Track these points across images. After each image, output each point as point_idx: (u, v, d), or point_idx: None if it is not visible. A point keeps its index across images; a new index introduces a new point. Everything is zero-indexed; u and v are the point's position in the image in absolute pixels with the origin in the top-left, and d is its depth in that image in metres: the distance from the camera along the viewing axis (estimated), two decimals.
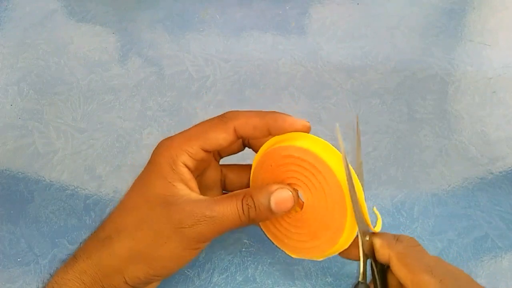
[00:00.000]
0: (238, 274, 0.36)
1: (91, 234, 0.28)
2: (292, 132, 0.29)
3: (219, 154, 0.33)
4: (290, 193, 0.27)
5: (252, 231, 0.39)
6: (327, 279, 0.36)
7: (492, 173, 0.43)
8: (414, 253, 0.25)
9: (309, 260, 0.37)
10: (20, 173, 0.42)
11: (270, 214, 0.27)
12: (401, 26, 0.55)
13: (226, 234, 0.38)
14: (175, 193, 0.26)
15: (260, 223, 0.32)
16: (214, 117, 0.29)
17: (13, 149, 0.44)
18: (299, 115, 0.46)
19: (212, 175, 0.32)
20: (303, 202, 0.29)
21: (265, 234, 0.32)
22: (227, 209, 0.26)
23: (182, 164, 0.27)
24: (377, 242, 0.26)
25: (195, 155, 0.27)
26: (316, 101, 0.48)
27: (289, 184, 0.29)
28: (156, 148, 0.28)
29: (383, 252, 0.25)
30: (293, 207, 0.28)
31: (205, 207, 0.26)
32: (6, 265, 0.37)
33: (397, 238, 0.26)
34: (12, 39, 0.54)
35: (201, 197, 0.27)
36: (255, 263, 0.37)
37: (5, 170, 0.43)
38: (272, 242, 0.32)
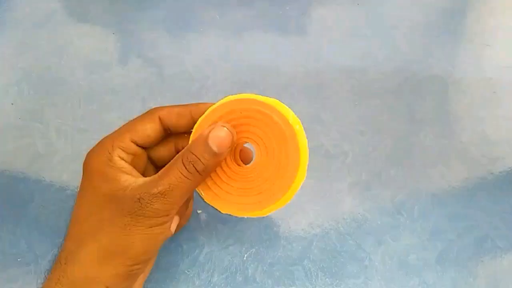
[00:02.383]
0: (238, 274, 0.36)
1: (54, 264, 0.28)
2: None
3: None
4: (225, 128, 0.27)
5: (253, 231, 0.39)
6: (327, 279, 0.36)
7: (492, 173, 0.43)
8: None
9: (308, 260, 0.37)
10: (20, 173, 0.42)
11: (216, 158, 0.27)
12: (401, 26, 0.55)
13: (226, 234, 0.38)
14: (120, 186, 0.26)
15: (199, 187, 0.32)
16: (139, 115, 0.31)
17: (13, 149, 0.44)
18: (299, 115, 0.46)
19: (165, 155, 0.32)
20: (251, 152, 0.31)
21: (200, 196, 0.31)
22: (172, 177, 0.26)
23: (118, 158, 0.28)
24: None
25: (128, 148, 0.28)
26: (316, 101, 0.48)
27: (243, 137, 0.30)
28: (87, 155, 0.29)
29: None
30: (233, 141, 0.28)
31: (150, 186, 0.26)
32: (6, 265, 0.37)
33: None
34: (12, 39, 0.54)
35: (147, 178, 0.27)
36: (255, 263, 0.37)
37: (5, 170, 0.43)
38: (208, 203, 0.31)
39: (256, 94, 0.30)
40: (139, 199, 0.26)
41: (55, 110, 0.47)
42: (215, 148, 0.27)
